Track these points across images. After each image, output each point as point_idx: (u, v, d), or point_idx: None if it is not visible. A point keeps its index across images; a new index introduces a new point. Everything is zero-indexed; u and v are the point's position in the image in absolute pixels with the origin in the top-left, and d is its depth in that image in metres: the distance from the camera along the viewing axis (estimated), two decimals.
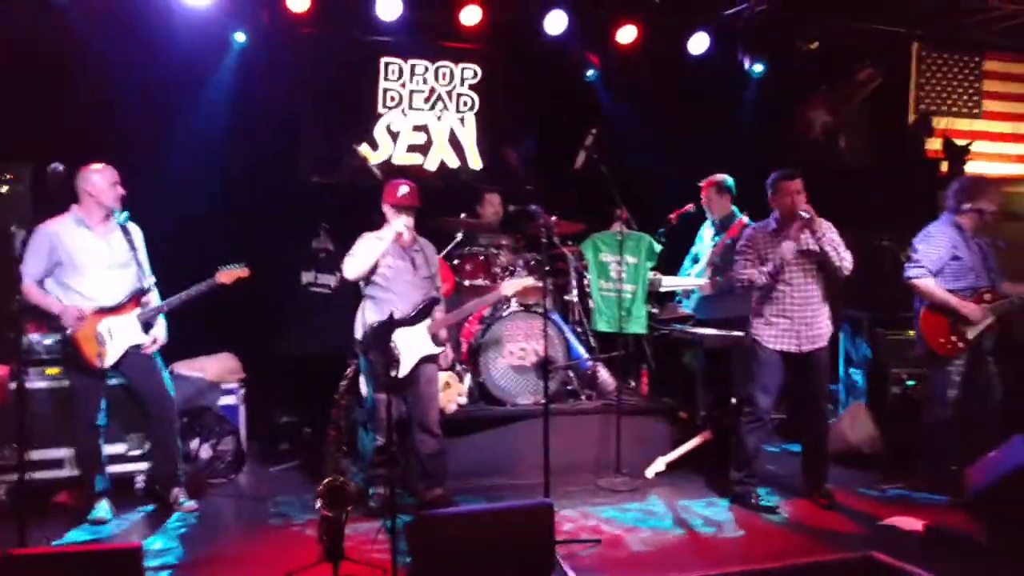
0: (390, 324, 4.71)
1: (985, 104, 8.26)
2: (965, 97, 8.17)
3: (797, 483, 5.61)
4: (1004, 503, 4.43)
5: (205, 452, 5.78)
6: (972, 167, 8.01)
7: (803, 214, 5.10)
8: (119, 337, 4.97)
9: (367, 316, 5.07)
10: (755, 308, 5.37)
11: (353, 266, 5.06)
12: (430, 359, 5.19)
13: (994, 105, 8.29)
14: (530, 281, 5.62)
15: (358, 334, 5.11)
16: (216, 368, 6.12)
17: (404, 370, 5.01)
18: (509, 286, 5.47)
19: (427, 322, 5.13)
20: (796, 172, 5.27)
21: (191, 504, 5.17)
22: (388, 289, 5.08)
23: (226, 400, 6.07)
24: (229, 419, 5.98)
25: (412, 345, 5.08)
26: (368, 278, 5.11)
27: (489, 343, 6.04)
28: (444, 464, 5.26)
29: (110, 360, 4.95)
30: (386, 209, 5.18)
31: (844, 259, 5.16)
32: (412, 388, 5.12)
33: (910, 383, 6.36)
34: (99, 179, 4.94)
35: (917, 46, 8.00)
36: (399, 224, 5.01)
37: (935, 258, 5.37)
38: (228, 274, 5.12)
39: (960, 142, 8.00)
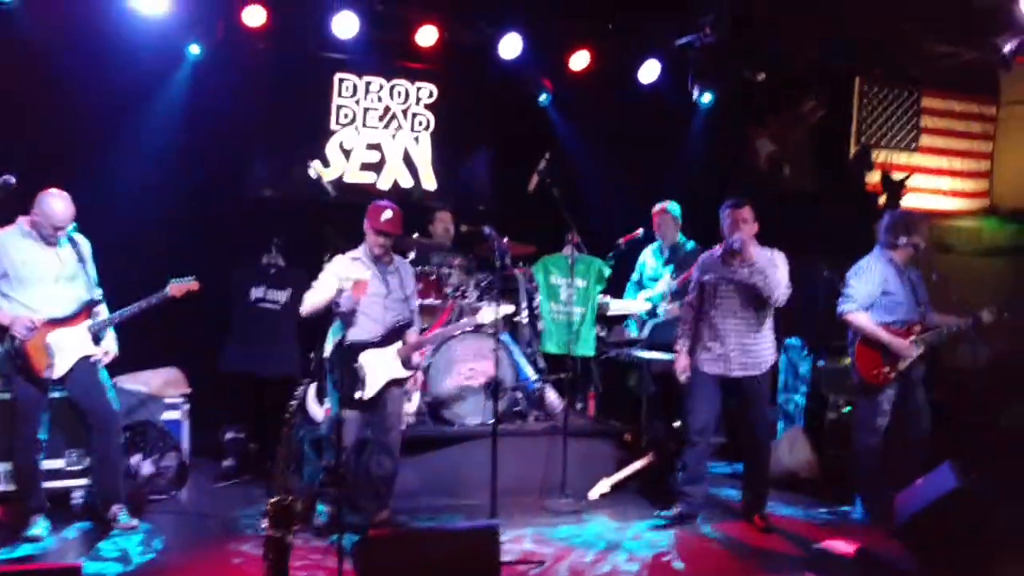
0: (359, 345, 4.78)
1: (922, 139, 8.56)
2: (904, 132, 8.46)
3: (736, 505, 5.75)
4: (931, 530, 4.59)
5: (147, 468, 5.69)
6: (908, 201, 8.30)
7: (733, 243, 5.23)
8: (69, 349, 4.89)
9: (337, 335, 5.01)
10: (696, 332, 5.51)
11: (309, 301, 5.00)
12: (397, 382, 5.12)
13: (931, 140, 8.60)
14: (510, 310, 5.66)
15: (327, 352, 5.08)
16: (160, 382, 6.05)
17: (370, 392, 4.94)
18: (486, 314, 5.43)
19: (397, 345, 5.09)
20: (744, 201, 5.38)
21: (131, 522, 5.08)
22: (360, 310, 5.00)
23: (170, 415, 5.98)
24: (172, 434, 5.89)
25: (380, 367, 5.02)
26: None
27: (438, 363, 6.07)
28: (393, 486, 5.26)
29: (59, 372, 4.86)
30: (367, 230, 5.13)
31: (773, 290, 5.21)
32: (377, 410, 5.06)
33: (846, 409, 6.55)
34: (50, 210, 4.82)
35: (859, 81, 8.27)
36: (355, 274, 4.89)
37: (866, 293, 5.53)
38: (179, 287, 5.08)
39: (898, 176, 8.28)
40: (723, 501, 6.03)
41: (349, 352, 4.87)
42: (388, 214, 5.12)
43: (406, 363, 5.11)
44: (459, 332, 5.81)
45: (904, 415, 5.63)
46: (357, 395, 4.80)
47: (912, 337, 5.50)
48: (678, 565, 4.90)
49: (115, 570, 4.51)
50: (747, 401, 5.45)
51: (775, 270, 5.27)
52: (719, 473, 6.70)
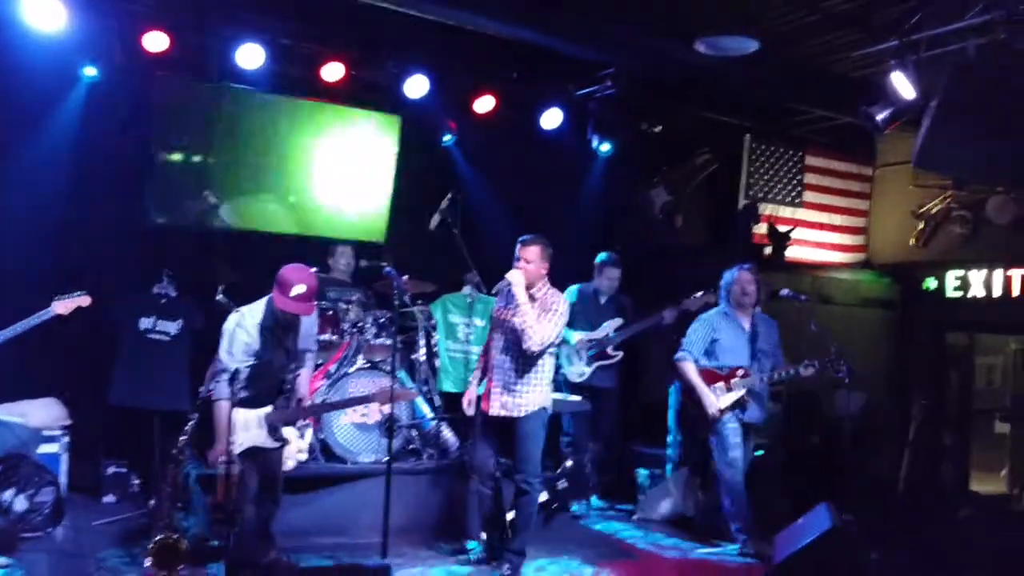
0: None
1: (806, 195, 9.01)
2: (789, 187, 8.89)
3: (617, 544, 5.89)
4: (807, 569, 4.81)
5: (20, 504, 5.41)
6: (792, 252, 8.72)
7: (504, 283, 5.36)
8: None
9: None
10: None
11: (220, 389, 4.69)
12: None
13: (814, 196, 9.07)
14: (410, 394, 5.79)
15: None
16: (39, 414, 5.81)
17: (237, 449, 4.67)
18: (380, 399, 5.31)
19: (266, 409, 4.79)
20: (534, 239, 5.43)
21: (1, 560, 4.84)
22: (252, 375, 4.70)
23: (47, 448, 5.75)
24: (49, 468, 5.64)
25: (251, 430, 4.74)
26: None
27: (333, 399, 6.02)
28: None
29: None
30: (274, 297, 4.76)
31: (528, 337, 5.11)
32: (266, 467, 4.86)
33: None
34: None
35: (748, 138, 8.68)
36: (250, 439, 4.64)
37: (696, 339, 6.15)
38: (66, 303, 4.84)
39: (783, 228, 8.69)
40: (616, 541, 6.15)
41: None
42: (300, 289, 4.66)
43: (273, 431, 4.77)
44: (341, 407, 5.63)
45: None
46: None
47: (733, 380, 6.02)
48: None
49: None
50: (513, 441, 5.33)
51: (544, 316, 5.21)
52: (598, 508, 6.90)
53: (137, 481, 6.17)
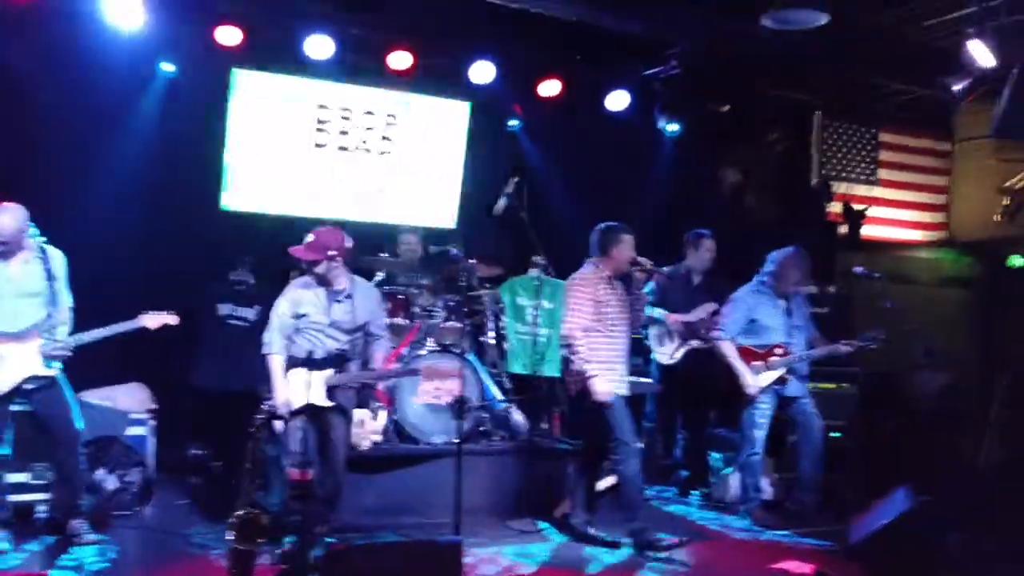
0: (293, 361, 4.94)
1: (881, 172, 8.81)
2: (863, 165, 8.71)
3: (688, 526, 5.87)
4: (885, 552, 4.72)
5: (111, 483, 5.67)
6: (867, 231, 8.53)
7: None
8: (14, 366, 4.82)
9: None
10: (594, 353, 5.43)
11: (268, 344, 5.05)
12: (334, 409, 5.02)
13: (889, 174, 8.86)
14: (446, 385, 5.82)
15: None
16: (126, 398, 6.02)
17: (287, 409, 4.93)
18: (429, 374, 5.59)
19: (327, 373, 4.99)
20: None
21: (92, 536, 5.05)
22: (303, 335, 5.05)
23: (135, 431, 5.94)
24: (137, 450, 5.87)
25: (303, 391, 4.95)
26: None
27: (405, 382, 6.12)
28: (336, 504, 5.20)
29: (2, 388, 4.81)
30: None
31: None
32: (321, 434, 5.02)
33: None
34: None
35: (819, 115, 8.51)
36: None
37: (733, 321, 6.12)
38: (153, 318, 4.99)
39: (857, 207, 8.51)
40: (689, 523, 6.14)
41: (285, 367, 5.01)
42: (308, 238, 5.03)
43: (330, 393, 4.95)
44: (394, 377, 5.72)
45: (798, 430, 6.24)
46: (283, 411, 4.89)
47: (772, 359, 6.02)
48: None
49: None
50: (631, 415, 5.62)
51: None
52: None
53: (217, 463, 6.37)
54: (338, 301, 5.08)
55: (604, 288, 5.49)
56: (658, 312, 6.72)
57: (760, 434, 6.09)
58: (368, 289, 5.29)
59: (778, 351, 6.06)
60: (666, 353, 6.74)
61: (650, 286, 6.83)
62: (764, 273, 6.22)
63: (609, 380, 5.40)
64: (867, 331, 6.16)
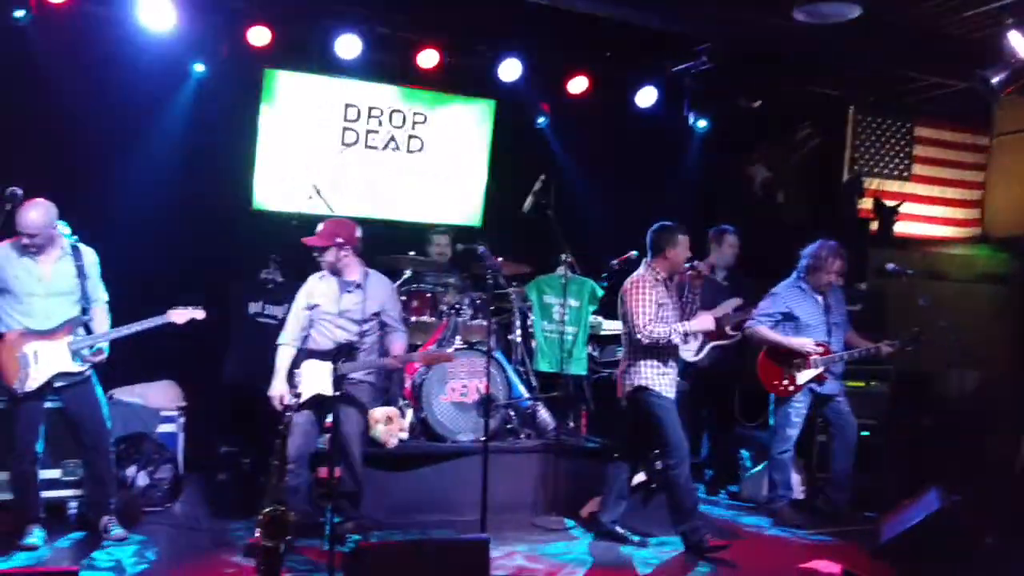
0: (306, 352, 5.10)
1: (915, 168, 8.67)
2: (896, 160, 8.57)
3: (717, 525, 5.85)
4: (914, 551, 4.66)
5: (142, 479, 5.75)
6: (900, 227, 8.40)
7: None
8: (45, 362, 4.89)
9: None
10: (644, 357, 5.35)
11: (280, 335, 5.26)
12: (342, 400, 5.00)
13: (923, 169, 8.71)
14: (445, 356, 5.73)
15: None
16: (156, 395, 6.11)
17: (303, 398, 5.11)
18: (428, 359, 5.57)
19: (336, 364, 4.94)
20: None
21: (120, 533, 5.12)
22: (315, 326, 5.23)
23: (165, 428, 6.04)
24: (167, 447, 5.95)
25: (314, 380, 5.11)
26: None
27: (432, 380, 6.14)
28: (358, 502, 5.31)
29: (32, 384, 4.87)
30: None
31: None
32: (335, 429, 5.06)
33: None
34: (24, 221, 4.79)
35: (852, 110, 8.39)
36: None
37: (767, 313, 6.04)
38: (181, 313, 5.02)
39: (890, 203, 8.38)
40: (717, 522, 6.10)
41: (298, 357, 5.16)
42: (319, 227, 5.20)
43: (339, 384, 4.85)
44: (399, 365, 5.55)
45: (830, 429, 6.18)
46: (292, 401, 5.05)
47: (812, 357, 5.92)
48: None
49: None
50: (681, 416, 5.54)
51: None
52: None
53: (247, 460, 6.41)
54: (348, 291, 5.17)
55: (661, 290, 5.38)
56: None
57: (793, 432, 6.01)
58: (380, 280, 5.33)
59: (818, 349, 5.96)
60: (691, 350, 6.69)
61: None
62: (800, 268, 6.09)
63: (663, 384, 5.36)
64: (900, 329, 6.07)
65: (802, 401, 6.00)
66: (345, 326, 5.17)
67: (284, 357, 5.21)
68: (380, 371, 5.45)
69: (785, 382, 6.02)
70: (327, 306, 5.20)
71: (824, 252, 5.99)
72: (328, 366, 4.95)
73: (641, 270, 5.46)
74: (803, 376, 5.95)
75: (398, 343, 5.25)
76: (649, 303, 5.26)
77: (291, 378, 5.16)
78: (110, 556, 4.88)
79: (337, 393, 4.87)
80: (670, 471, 5.38)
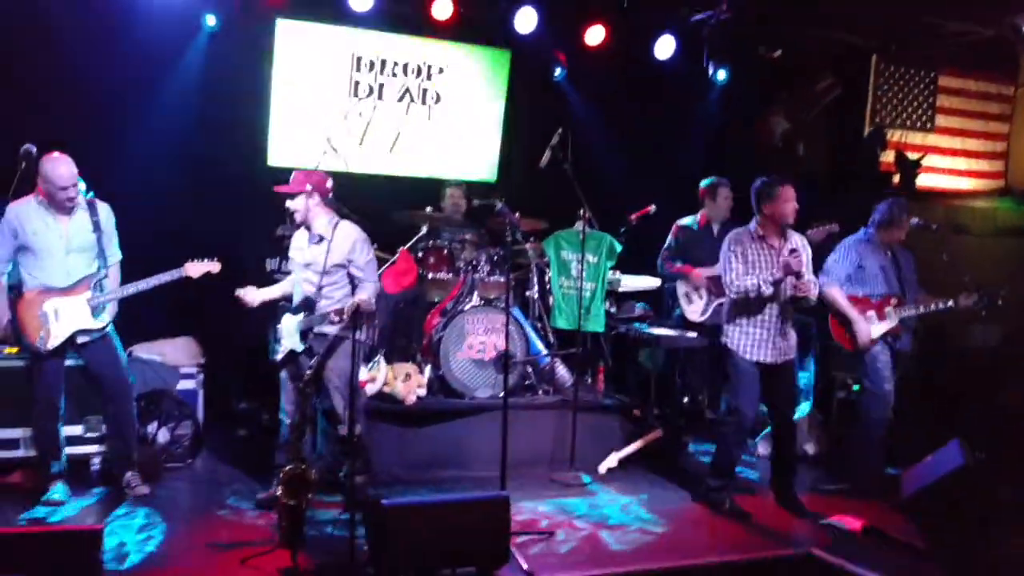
0: (285, 308, 5.13)
1: (938, 119, 8.50)
2: (919, 111, 8.41)
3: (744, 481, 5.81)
4: (937, 506, 4.64)
5: (163, 436, 5.78)
6: (922, 180, 8.27)
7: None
8: (65, 319, 4.91)
9: None
10: (731, 317, 5.39)
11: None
12: (315, 354, 5.02)
13: (946, 120, 8.55)
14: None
15: None
16: (175, 352, 6.12)
17: (280, 354, 5.16)
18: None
19: (298, 317, 5.09)
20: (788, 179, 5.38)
21: (143, 488, 5.17)
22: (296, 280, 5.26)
23: (185, 384, 6.06)
24: (187, 403, 5.98)
25: (289, 332, 5.13)
26: None
27: (450, 336, 6.12)
28: (365, 454, 5.25)
29: (54, 342, 4.89)
30: None
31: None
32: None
33: (855, 387, 6.58)
34: (54, 174, 4.79)
35: (875, 59, 8.21)
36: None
37: (841, 269, 5.83)
38: (196, 267, 5.01)
39: (912, 156, 8.24)
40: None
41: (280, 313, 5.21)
42: (292, 177, 5.11)
43: (303, 335, 5.02)
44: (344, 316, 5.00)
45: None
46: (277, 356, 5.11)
47: (887, 309, 5.74)
48: (684, 540, 4.98)
49: (132, 534, 4.59)
50: (783, 386, 5.44)
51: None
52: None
53: (267, 416, 6.44)
54: (314, 243, 5.12)
55: (755, 247, 5.27)
56: (681, 268, 6.63)
57: (889, 388, 5.75)
58: (348, 230, 5.12)
59: (892, 301, 5.77)
60: (695, 311, 6.64)
61: (670, 241, 6.74)
62: (872, 223, 5.92)
63: (744, 344, 5.31)
64: (929, 285, 5.95)
65: (886, 353, 5.78)
66: (310, 278, 5.11)
67: (277, 288, 5.36)
68: (360, 325, 5.07)
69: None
70: (297, 258, 5.22)
71: (897, 208, 5.87)
72: (296, 320, 5.02)
73: (748, 226, 5.39)
74: (877, 329, 5.75)
75: (363, 294, 5.01)
76: (731, 259, 5.28)
77: (276, 334, 5.23)
78: (133, 511, 4.91)
79: (304, 347, 4.93)
80: (720, 427, 5.50)
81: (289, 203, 5.07)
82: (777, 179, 5.33)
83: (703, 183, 6.80)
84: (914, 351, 5.97)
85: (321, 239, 5.07)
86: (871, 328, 5.74)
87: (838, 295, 5.79)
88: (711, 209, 6.76)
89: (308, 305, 5.04)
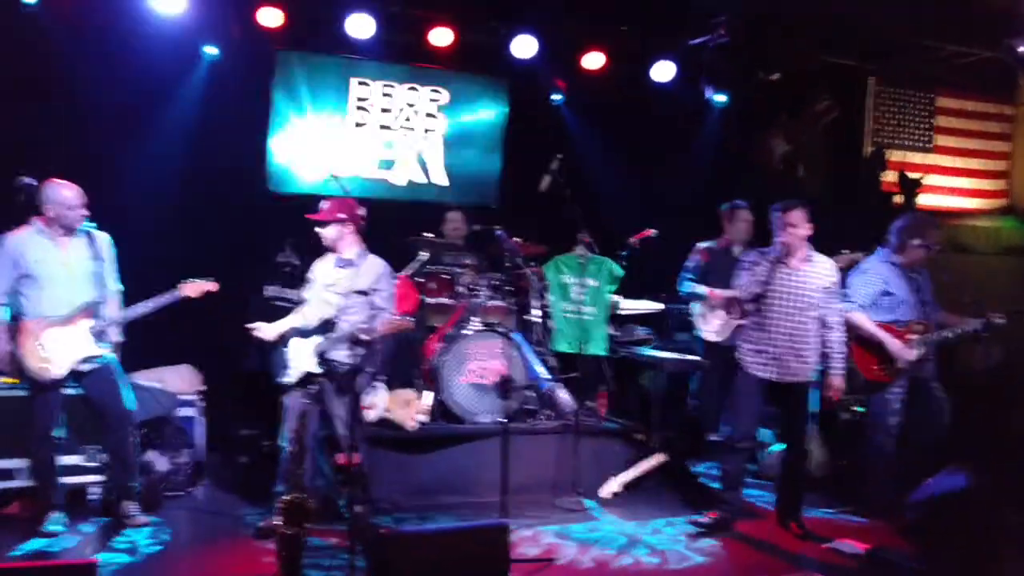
0: (293, 332, 5.10)
1: (937, 139, 8.53)
2: (918, 132, 8.44)
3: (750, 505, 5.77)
4: (940, 530, 4.59)
5: (162, 464, 5.75)
6: (924, 200, 8.26)
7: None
8: (66, 349, 4.89)
9: None
10: (745, 333, 5.40)
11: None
12: (328, 376, 5.02)
13: (946, 140, 8.57)
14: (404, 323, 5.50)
15: None
16: (176, 379, 6.09)
17: (289, 379, 5.13)
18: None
19: (317, 339, 5.09)
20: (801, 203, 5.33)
21: (142, 519, 5.13)
22: (315, 303, 5.24)
23: (185, 412, 6.02)
24: (187, 431, 5.95)
25: (302, 356, 5.10)
26: None
27: (450, 361, 6.11)
28: (363, 483, 5.14)
29: (58, 371, 4.88)
30: None
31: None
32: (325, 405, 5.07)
33: (859, 409, 6.54)
34: (61, 197, 4.85)
35: (873, 81, 8.24)
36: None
37: (866, 293, 5.62)
38: (194, 287, 5.03)
39: (913, 175, 8.24)
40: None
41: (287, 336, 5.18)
42: (322, 204, 5.17)
43: (321, 360, 4.99)
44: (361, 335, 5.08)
45: (918, 415, 5.68)
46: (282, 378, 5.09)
47: (912, 337, 5.54)
48: (697, 560, 4.95)
49: (130, 566, 4.54)
50: (792, 406, 5.38)
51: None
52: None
53: (267, 443, 6.40)
54: (341, 267, 5.15)
55: (765, 269, 5.20)
56: (700, 288, 6.58)
57: (895, 420, 5.61)
58: (377, 262, 5.19)
59: (917, 327, 5.56)
60: (712, 331, 6.61)
61: (691, 263, 6.73)
62: (891, 244, 5.72)
63: (749, 361, 5.30)
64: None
65: (902, 385, 5.61)
66: (330, 299, 5.12)
67: (291, 319, 5.29)
68: (370, 354, 5.13)
69: (885, 365, 5.61)
70: (321, 280, 5.22)
71: (917, 222, 5.73)
72: (311, 342, 5.01)
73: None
74: (901, 360, 5.56)
75: (378, 321, 5.01)
76: (746, 271, 5.33)
77: (282, 357, 5.19)
78: (132, 542, 4.87)
79: (322, 371, 4.93)
80: (716, 445, 5.52)
81: (319, 230, 5.11)
82: (792, 203, 5.27)
83: (722, 207, 6.78)
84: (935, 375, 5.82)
85: (350, 263, 5.13)
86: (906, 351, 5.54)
87: (864, 320, 5.58)
88: (731, 232, 6.73)
89: (328, 327, 5.05)
